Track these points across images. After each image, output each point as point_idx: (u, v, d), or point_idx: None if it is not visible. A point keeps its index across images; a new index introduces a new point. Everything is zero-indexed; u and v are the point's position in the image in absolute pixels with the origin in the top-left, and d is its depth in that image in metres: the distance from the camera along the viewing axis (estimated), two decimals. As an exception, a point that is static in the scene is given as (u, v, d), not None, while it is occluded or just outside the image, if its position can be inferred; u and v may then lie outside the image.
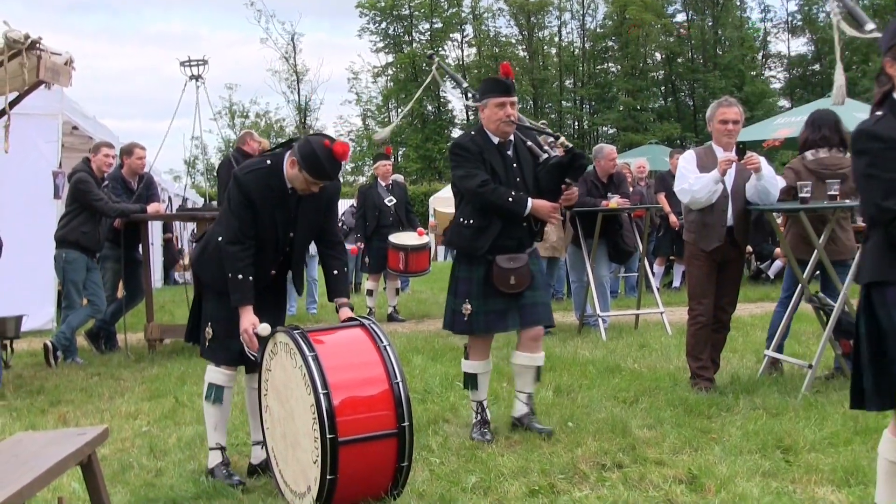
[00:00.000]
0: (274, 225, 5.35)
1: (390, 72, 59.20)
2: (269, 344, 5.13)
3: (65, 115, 12.86)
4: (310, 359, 4.72)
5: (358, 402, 4.82)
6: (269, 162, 5.34)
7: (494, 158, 6.27)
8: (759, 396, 7.20)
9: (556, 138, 6.26)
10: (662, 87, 58.52)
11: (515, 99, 6.29)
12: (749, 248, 11.28)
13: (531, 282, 6.29)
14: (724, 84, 51.84)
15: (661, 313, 11.33)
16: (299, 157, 5.16)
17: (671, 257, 16.27)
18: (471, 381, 6.46)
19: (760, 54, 59.54)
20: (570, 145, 6.20)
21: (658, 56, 58.57)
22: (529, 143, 6.42)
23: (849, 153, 7.86)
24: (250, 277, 5.25)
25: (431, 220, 19.70)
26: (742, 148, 7.49)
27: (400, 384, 4.88)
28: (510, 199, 6.15)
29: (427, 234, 13.66)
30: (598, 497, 5.00)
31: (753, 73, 57.08)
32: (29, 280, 11.71)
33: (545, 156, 6.34)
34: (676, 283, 16.28)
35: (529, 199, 6.20)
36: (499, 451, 5.99)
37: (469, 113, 55.91)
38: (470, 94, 7.07)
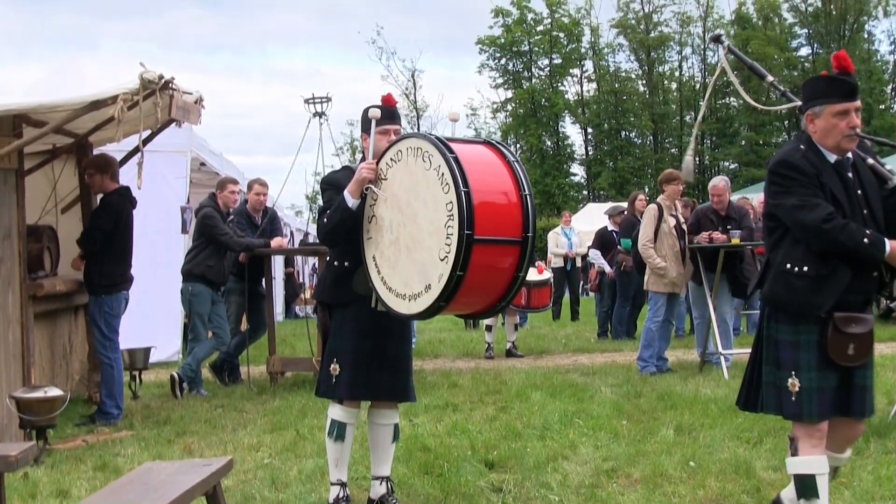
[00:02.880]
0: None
1: (509, 107, 59.45)
2: (391, 152, 5.23)
3: (193, 152, 13.21)
4: (451, 159, 4.81)
5: (492, 205, 4.93)
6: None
7: (834, 183, 4.69)
8: (891, 440, 6.97)
9: None
10: (786, 122, 57.47)
11: (860, 104, 4.75)
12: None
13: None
14: (851, 118, 50.68)
15: (786, 352, 11.04)
16: (361, 125, 5.59)
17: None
18: (807, 485, 4.63)
19: (889, 87, 58.11)
20: None
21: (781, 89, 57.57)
22: (871, 160, 4.85)
23: None
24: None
25: (550, 255, 19.65)
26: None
27: (527, 196, 5.00)
28: (865, 238, 4.55)
29: (546, 269, 13.59)
30: (722, 540, 4.89)
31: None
32: (157, 312, 12.00)
33: (895, 180, 4.78)
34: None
35: (887, 240, 4.60)
36: (619, 489, 5.91)
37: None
38: (780, 91, 5.39)
